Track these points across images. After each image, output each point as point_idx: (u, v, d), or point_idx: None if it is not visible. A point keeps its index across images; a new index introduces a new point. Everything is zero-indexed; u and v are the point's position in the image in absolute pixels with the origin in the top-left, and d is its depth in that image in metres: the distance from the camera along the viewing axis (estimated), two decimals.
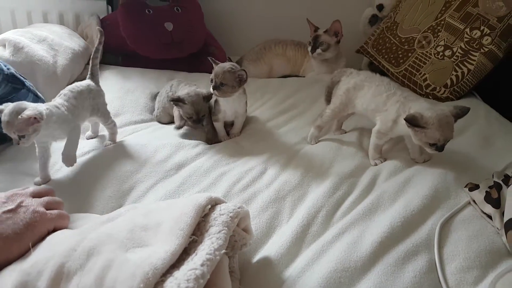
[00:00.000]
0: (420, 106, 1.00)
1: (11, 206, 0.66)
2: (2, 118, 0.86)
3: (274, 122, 1.35)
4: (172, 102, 1.17)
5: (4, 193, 0.69)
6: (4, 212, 0.64)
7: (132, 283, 0.51)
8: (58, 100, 0.98)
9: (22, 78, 1.13)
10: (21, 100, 0.93)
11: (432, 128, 0.94)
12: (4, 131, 0.87)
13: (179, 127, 1.23)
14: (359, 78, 1.16)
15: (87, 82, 1.08)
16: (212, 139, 1.21)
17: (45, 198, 0.72)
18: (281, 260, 0.76)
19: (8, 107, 0.87)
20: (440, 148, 0.97)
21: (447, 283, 0.72)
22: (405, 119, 0.96)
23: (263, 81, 1.69)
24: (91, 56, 1.10)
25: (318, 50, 1.67)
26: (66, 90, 1.01)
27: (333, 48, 1.69)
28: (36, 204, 0.69)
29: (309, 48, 1.70)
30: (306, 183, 0.98)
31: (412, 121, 0.95)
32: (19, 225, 0.64)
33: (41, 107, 0.90)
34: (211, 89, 1.13)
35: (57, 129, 0.94)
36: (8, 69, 1.08)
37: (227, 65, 1.13)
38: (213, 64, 1.15)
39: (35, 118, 0.85)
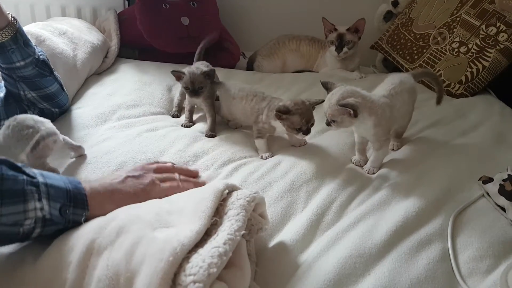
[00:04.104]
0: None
1: (135, 174, 0.82)
2: None
3: None
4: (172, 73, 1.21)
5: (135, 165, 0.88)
6: (129, 177, 0.80)
7: (161, 256, 0.54)
8: None
9: (51, 67, 1.16)
10: (45, 85, 0.97)
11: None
12: None
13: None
14: None
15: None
16: (211, 132, 1.22)
17: (164, 174, 0.87)
18: (296, 245, 0.78)
19: None
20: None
21: (460, 271, 0.74)
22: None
23: (276, 76, 1.70)
24: None
25: (345, 49, 1.66)
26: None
27: (356, 46, 1.69)
28: (154, 177, 0.83)
29: (333, 48, 1.67)
30: (320, 175, 0.99)
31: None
32: (138, 187, 0.79)
33: None
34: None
35: None
36: (41, 55, 1.11)
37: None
38: None
39: None
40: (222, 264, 0.55)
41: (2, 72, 1.07)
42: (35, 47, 1.09)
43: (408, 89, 1.07)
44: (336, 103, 0.95)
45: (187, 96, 1.26)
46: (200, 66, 1.24)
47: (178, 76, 1.20)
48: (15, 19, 1.02)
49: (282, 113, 1.02)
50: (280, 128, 1.09)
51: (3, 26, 0.98)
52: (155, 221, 0.63)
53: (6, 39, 0.99)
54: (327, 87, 1.03)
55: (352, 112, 0.93)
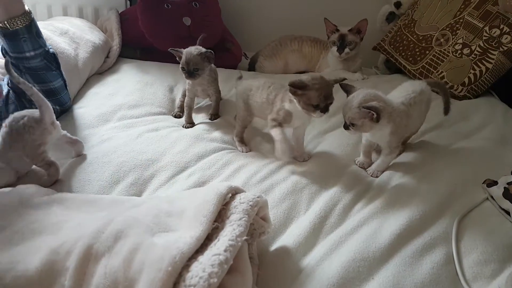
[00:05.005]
0: None
1: None
2: None
3: None
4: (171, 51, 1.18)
5: None
6: None
7: (160, 266, 0.52)
8: None
9: (59, 62, 1.17)
10: (50, 79, 0.96)
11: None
12: None
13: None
14: None
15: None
16: (215, 115, 1.25)
17: None
18: (299, 249, 0.77)
19: None
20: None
21: (464, 275, 0.73)
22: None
23: (278, 76, 1.69)
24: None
25: (347, 50, 1.64)
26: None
27: (358, 47, 1.68)
28: None
29: (334, 48, 1.66)
30: (323, 177, 0.99)
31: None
32: None
33: None
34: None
35: None
36: (50, 48, 1.13)
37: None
38: None
39: None
40: (223, 272, 0.54)
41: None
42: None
43: (426, 100, 1.05)
44: (357, 105, 0.90)
45: (187, 87, 1.25)
46: (200, 47, 1.19)
47: (178, 55, 1.18)
48: (30, 10, 1.04)
49: (298, 88, 0.93)
50: (296, 112, 1.00)
51: (19, 14, 1.01)
52: (153, 225, 0.62)
53: (20, 26, 1.01)
54: (347, 89, 0.98)
55: (375, 116, 0.89)
